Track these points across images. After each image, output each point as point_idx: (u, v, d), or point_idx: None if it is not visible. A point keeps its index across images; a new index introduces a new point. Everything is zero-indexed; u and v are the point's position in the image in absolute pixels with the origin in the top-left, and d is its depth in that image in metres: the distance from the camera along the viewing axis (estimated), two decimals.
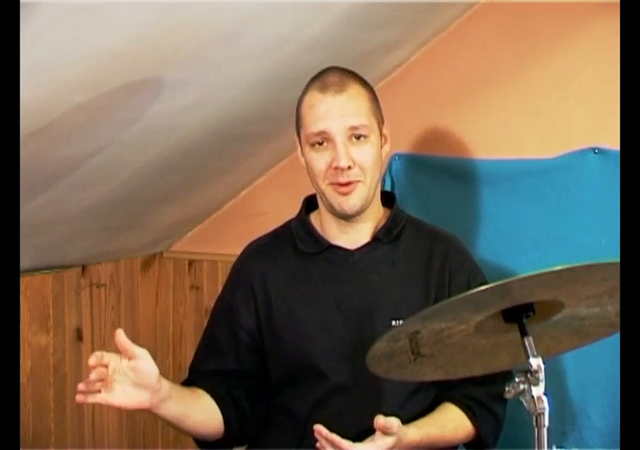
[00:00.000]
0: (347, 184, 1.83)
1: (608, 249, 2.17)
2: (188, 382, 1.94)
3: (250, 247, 2.03)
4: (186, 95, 1.97)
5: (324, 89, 1.84)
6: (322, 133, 1.83)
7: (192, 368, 2.00)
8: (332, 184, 1.85)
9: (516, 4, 2.34)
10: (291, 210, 2.02)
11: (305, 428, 1.84)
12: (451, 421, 1.90)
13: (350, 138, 1.83)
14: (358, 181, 1.84)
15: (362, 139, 1.84)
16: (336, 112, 1.83)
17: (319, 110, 1.84)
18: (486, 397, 1.92)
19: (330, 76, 1.86)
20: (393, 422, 1.73)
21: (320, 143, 1.84)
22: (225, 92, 2.08)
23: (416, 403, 1.90)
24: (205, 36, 1.76)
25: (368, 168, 1.85)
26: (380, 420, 1.71)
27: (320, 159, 1.85)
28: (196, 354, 2.02)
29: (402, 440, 1.76)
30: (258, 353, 1.95)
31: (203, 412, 1.86)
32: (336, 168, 1.82)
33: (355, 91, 1.86)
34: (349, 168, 1.82)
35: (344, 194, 1.84)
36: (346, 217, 1.89)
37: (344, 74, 1.88)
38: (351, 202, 1.85)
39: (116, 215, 2.50)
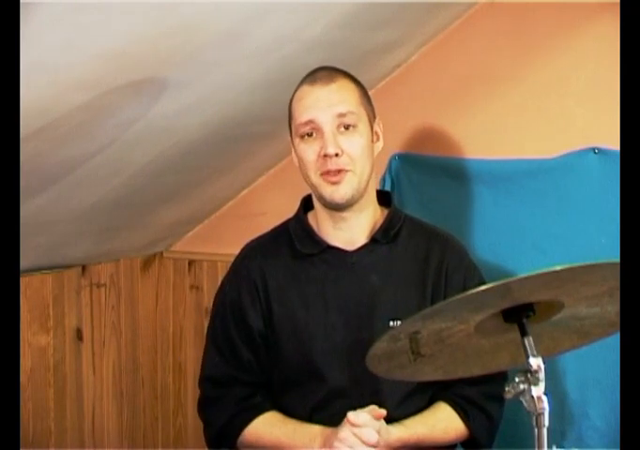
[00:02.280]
0: (337, 173, 1.84)
1: (608, 249, 2.17)
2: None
3: (248, 246, 2.03)
4: (186, 95, 1.97)
5: (312, 82, 1.87)
6: (310, 122, 1.85)
7: (218, 375, 1.96)
8: (322, 174, 1.85)
9: (516, 4, 2.34)
10: (290, 210, 2.03)
11: None
12: (441, 421, 1.91)
13: (339, 127, 1.85)
14: (348, 170, 1.84)
15: (351, 129, 1.86)
16: (324, 101, 1.85)
17: (308, 100, 1.86)
18: (480, 397, 1.92)
19: (320, 72, 1.89)
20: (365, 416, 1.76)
21: (310, 135, 1.86)
22: (225, 92, 2.08)
23: (413, 404, 1.91)
24: (205, 36, 1.76)
25: (357, 157, 1.85)
26: (350, 416, 1.74)
27: (309, 150, 1.86)
28: (212, 358, 1.98)
29: (386, 438, 1.77)
30: (268, 354, 1.94)
31: None
32: (325, 155, 1.83)
33: (343, 83, 1.88)
34: (337, 155, 1.83)
35: (334, 183, 1.85)
36: (338, 208, 1.89)
37: (334, 70, 1.90)
38: (342, 192, 1.85)
39: (116, 215, 2.50)
